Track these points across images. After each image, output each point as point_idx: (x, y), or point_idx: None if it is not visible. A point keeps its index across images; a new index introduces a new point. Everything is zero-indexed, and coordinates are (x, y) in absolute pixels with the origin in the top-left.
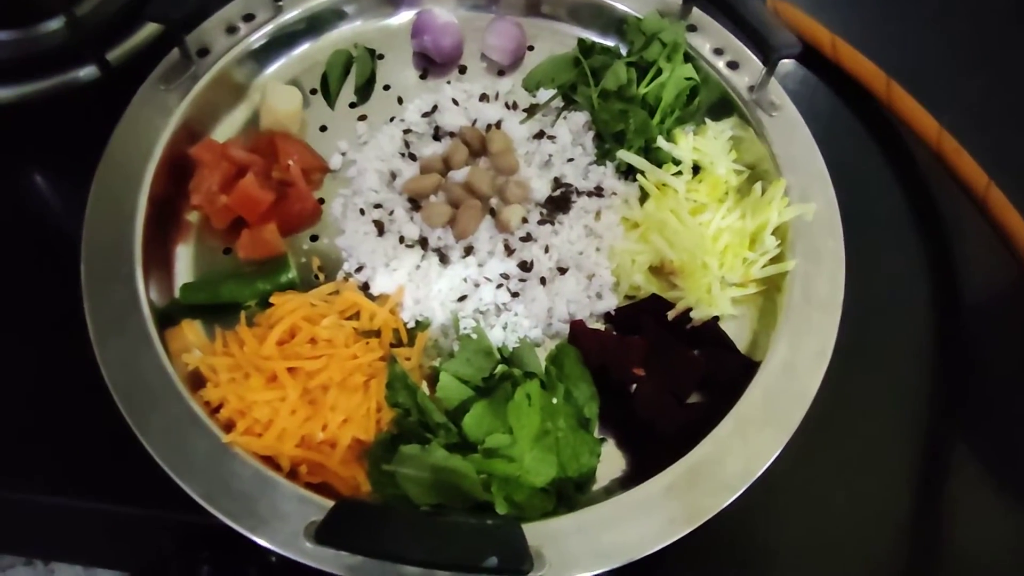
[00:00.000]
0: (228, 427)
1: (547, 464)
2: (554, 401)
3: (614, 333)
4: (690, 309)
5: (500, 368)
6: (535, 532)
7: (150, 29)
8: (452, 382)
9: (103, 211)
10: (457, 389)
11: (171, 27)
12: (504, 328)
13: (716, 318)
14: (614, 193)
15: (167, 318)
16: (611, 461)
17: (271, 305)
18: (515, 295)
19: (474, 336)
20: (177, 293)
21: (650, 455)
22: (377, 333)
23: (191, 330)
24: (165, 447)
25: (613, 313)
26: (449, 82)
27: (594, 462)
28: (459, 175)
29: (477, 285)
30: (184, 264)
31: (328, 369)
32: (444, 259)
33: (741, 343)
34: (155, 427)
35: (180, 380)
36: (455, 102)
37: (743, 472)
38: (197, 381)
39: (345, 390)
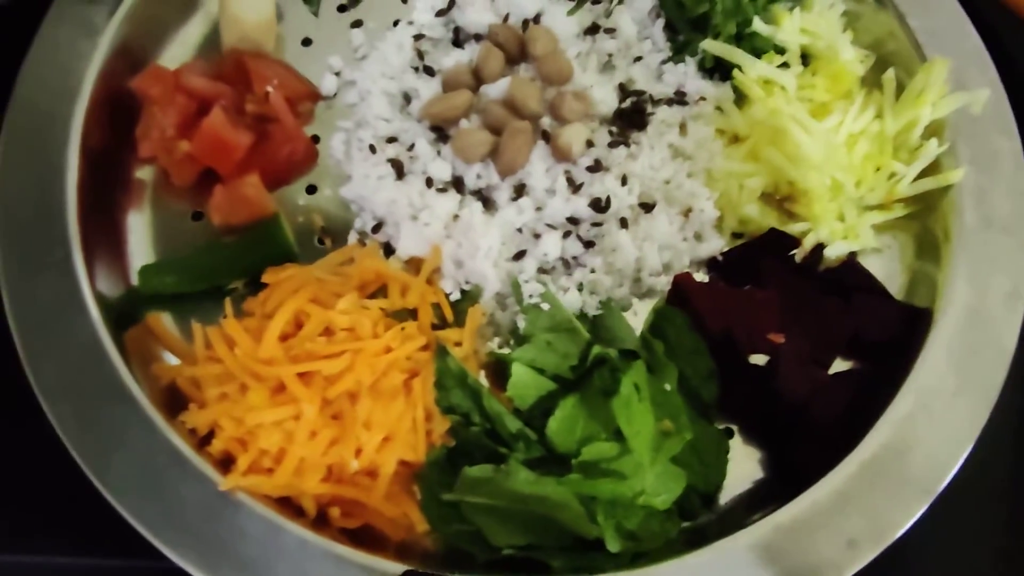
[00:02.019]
0: (225, 463)
1: (673, 478)
2: (667, 388)
3: (721, 285)
4: (821, 245)
5: (594, 350)
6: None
7: None
8: (528, 375)
9: (20, 175)
10: (534, 382)
11: None
12: (580, 289)
13: (854, 254)
14: (701, 98)
15: (124, 315)
16: (738, 460)
17: (265, 286)
18: (589, 245)
19: (545, 306)
20: (135, 279)
21: (796, 449)
22: (413, 313)
23: (159, 329)
24: (137, 500)
25: (720, 258)
26: None
27: (723, 464)
28: (495, 89)
29: (537, 236)
30: (140, 238)
31: (354, 370)
32: (488, 204)
33: (893, 286)
34: (120, 472)
35: (150, 401)
36: None
37: (937, 463)
38: (175, 401)
39: (380, 397)
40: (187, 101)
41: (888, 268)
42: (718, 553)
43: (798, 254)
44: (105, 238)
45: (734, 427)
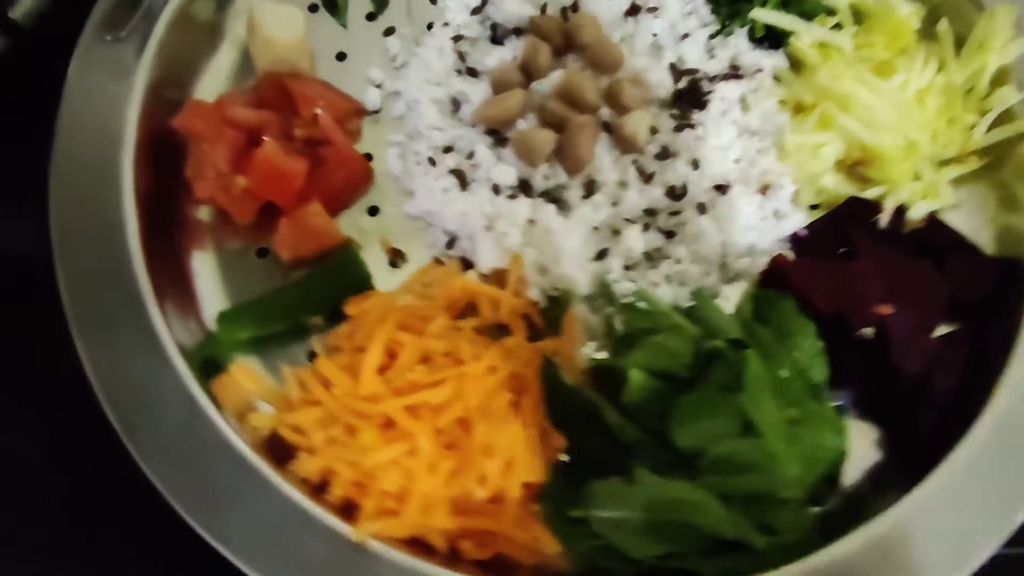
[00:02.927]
0: (346, 509)
1: (804, 464)
2: (783, 374)
3: (817, 262)
4: (903, 208)
5: (706, 344)
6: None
7: None
8: (644, 379)
9: (78, 235)
10: (650, 385)
11: None
12: (668, 281)
13: (935, 213)
14: (758, 70)
15: (208, 364)
16: (853, 439)
17: (345, 318)
18: (670, 235)
19: (641, 304)
20: (209, 324)
21: (919, 422)
22: (502, 328)
23: (248, 376)
24: (268, 562)
25: (803, 233)
26: None
27: (842, 443)
28: (547, 84)
29: (616, 232)
30: (208, 281)
31: (461, 396)
32: (561, 204)
33: (980, 241)
34: (241, 531)
35: (255, 454)
36: None
37: None
38: (280, 450)
39: (494, 421)
40: (235, 134)
41: (972, 223)
42: (865, 538)
43: (881, 219)
44: (174, 286)
45: (845, 405)
